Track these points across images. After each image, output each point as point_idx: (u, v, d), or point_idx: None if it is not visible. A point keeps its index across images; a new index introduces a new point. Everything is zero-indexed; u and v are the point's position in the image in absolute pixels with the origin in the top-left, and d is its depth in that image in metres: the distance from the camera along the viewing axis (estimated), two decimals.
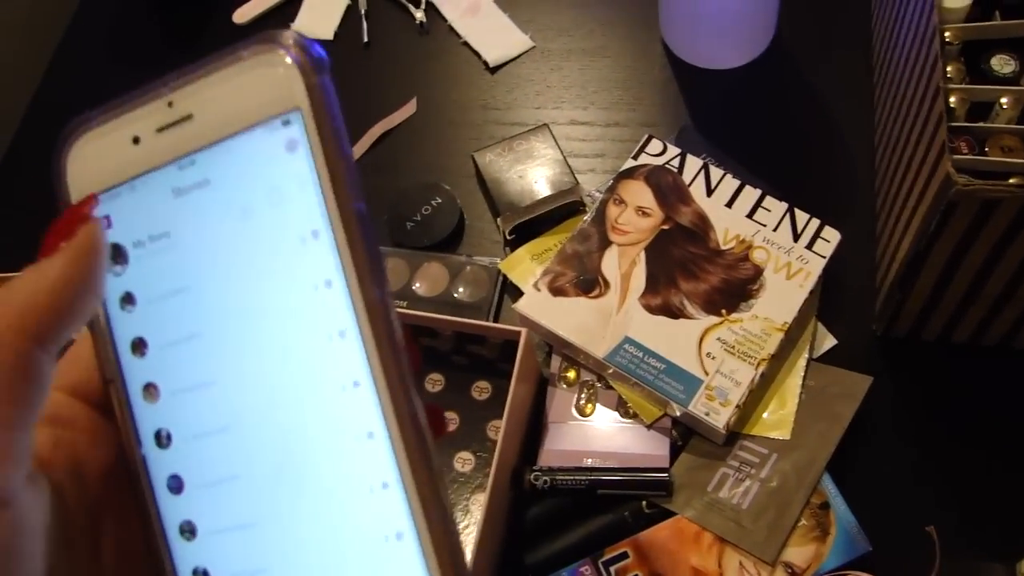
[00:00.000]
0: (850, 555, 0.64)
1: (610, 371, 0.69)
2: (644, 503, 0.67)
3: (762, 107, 0.83)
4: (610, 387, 0.70)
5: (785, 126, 0.82)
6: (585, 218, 0.74)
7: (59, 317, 0.25)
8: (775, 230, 0.72)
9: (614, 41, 0.89)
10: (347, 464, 0.26)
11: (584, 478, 0.66)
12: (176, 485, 0.28)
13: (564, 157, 0.79)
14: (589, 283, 0.71)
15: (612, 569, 0.65)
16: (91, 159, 0.28)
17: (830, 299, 0.73)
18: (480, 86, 0.89)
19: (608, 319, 0.70)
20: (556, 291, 0.71)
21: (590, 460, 0.68)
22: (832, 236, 0.72)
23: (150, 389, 0.29)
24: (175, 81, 0.27)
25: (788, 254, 0.71)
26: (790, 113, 0.83)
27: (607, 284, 0.71)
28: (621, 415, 0.70)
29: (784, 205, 0.73)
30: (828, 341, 0.72)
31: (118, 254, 0.28)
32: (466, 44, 0.91)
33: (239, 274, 0.27)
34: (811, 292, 0.70)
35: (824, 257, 0.71)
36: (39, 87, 0.98)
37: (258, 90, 0.26)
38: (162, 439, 0.28)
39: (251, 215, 0.27)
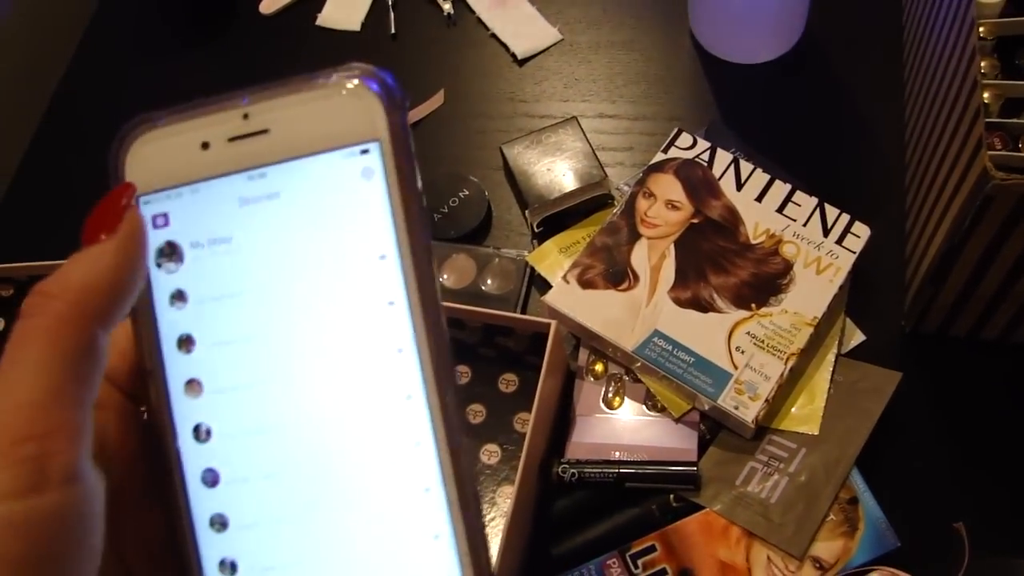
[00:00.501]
0: (878, 551, 0.63)
1: (638, 364, 0.69)
2: (672, 497, 0.67)
3: (791, 102, 0.83)
4: (638, 380, 0.70)
5: (814, 121, 0.82)
6: (614, 211, 0.74)
7: (116, 299, 0.26)
8: (805, 225, 0.72)
9: (643, 34, 0.89)
10: (392, 470, 0.28)
11: (612, 471, 0.66)
12: (211, 479, 0.29)
13: (593, 150, 0.79)
14: (618, 276, 0.71)
15: (639, 562, 0.65)
16: (153, 157, 0.29)
17: (859, 295, 0.73)
18: (508, 78, 0.89)
19: (637, 312, 0.70)
20: (585, 283, 0.71)
21: (618, 453, 0.68)
22: (862, 231, 0.72)
23: (193, 384, 0.29)
24: (253, 95, 0.28)
25: (818, 249, 0.71)
26: (820, 108, 0.82)
27: (636, 277, 0.71)
28: (649, 408, 0.70)
29: (814, 200, 0.73)
30: (857, 337, 0.72)
31: (173, 251, 0.29)
32: (494, 36, 0.91)
33: (299, 285, 0.28)
34: (840, 287, 0.70)
35: (854, 252, 0.71)
36: (61, 79, 0.98)
37: (339, 116, 0.28)
38: (201, 433, 0.29)
39: (318, 231, 0.28)
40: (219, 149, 0.29)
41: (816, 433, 0.67)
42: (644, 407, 0.70)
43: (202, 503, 0.29)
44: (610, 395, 0.70)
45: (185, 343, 0.29)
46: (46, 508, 0.23)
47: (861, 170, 0.79)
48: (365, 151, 0.28)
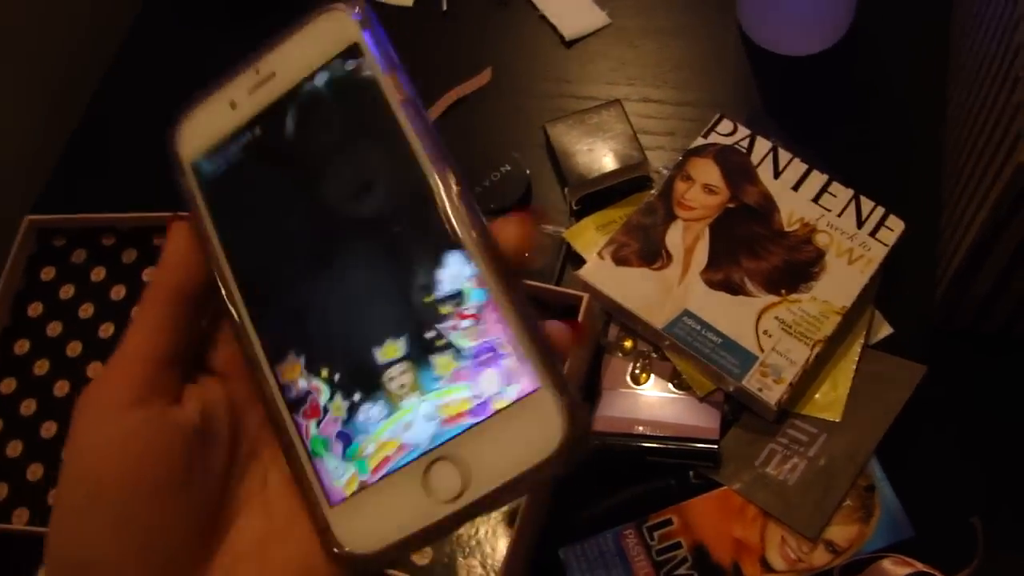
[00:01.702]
0: (892, 539, 0.64)
1: (667, 342, 0.71)
2: (691, 473, 0.68)
3: (834, 95, 0.84)
4: (665, 358, 0.72)
5: (856, 115, 0.82)
6: (652, 191, 0.76)
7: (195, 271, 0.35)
8: (839, 215, 0.73)
9: (691, 22, 0.90)
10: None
11: (634, 444, 0.68)
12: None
13: (634, 133, 0.80)
14: (652, 255, 0.73)
15: (655, 534, 0.66)
16: (196, 132, 0.35)
17: (889, 288, 0.73)
18: (555, 59, 0.90)
19: (669, 291, 0.71)
20: (619, 260, 0.73)
21: (641, 428, 0.69)
22: (896, 225, 0.72)
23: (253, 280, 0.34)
24: (260, 51, 0.35)
25: (851, 240, 0.72)
26: (861, 103, 0.83)
27: (670, 257, 0.72)
28: (674, 386, 0.71)
29: (850, 192, 0.74)
30: (884, 329, 0.73)
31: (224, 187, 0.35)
32: (543, 18, 0.93)
33: (324, 168, 0.34)
34: (871, 279, 0.71)
35: (887, 245, 0.72)
36: (120, 45, 1.01)
37: (323, 39, 0.34)
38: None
39: (328, 128, 0.34)
40: (243, 103, 0.35)
41: (838, 420, 0.68)
42: (670, 385, 0.71)
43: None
44: (637, 371, 0.72)
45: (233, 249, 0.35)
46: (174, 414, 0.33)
47: (898, 167, 0.80)
48: (351, 54, 0.33)
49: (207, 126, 0.35)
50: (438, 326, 0.31)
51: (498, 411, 0.29)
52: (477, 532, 0.67)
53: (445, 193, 0.32)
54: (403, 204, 0.32)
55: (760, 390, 0.67)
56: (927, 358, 0.69)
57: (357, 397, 0.32)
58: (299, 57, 0.34)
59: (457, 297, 0.31)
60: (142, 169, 0.93)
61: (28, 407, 0.81)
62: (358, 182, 0.33)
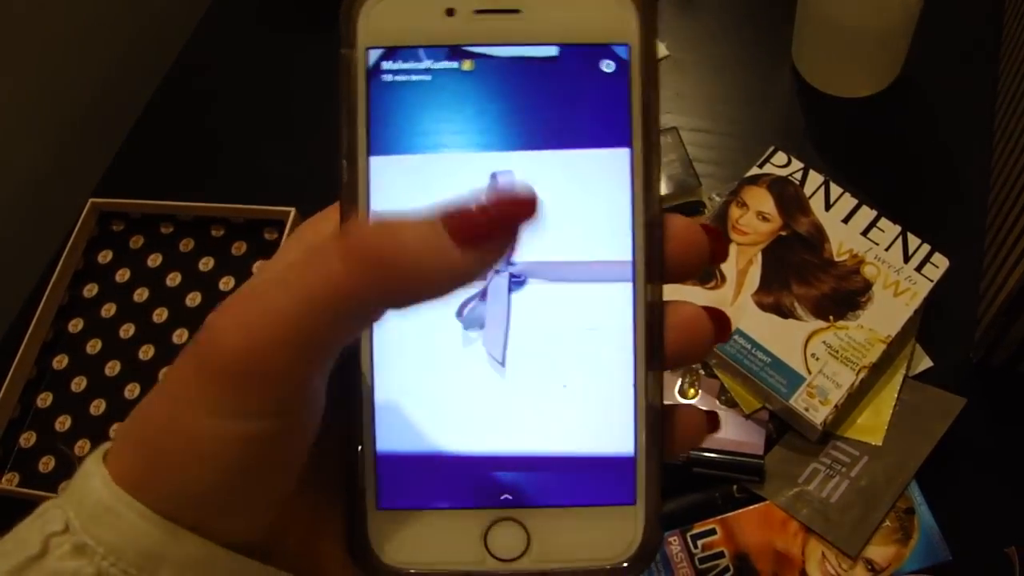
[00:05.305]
0: (930, 561, 0.66)
1: (714, 360, 0.73)
2: (735, 487, 0.70)
3: (882, 136, 0.87)
4: (713, 375, 0.74)
5: (903, 156, 0.85)
6: (709, 214, 0.78)
7: None
8: (887, 249, 0.76)
9: (747, 59, 0.93)
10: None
11: (681, 455, 0.70)
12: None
13: (689, 160, 0.83)
14: (707, 275, 0.75)
15: (699, 543, 0.68)
16: (391, 15, 0.29)
17: (930, 324, 0.76)
18: None
19: None
20: None
21: None
22: (941, 262, 0.75)
23: None
24: None
25: (897, 273, 0.74)
26: (909, 145, 0.86)
27: (723, 278, 0.75)
28: (721, 402, 0.73)
29: (898, 228, 0.76)
30: (924, 362, 0.75)
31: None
32: None
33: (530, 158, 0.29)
34: (915, 312, 0.73)
35: (931, 281, 0.74)
36: (187, 41, 1.04)
37: (595, 12, 0.29)
38: None
39: (545, 117, 0.29)
40: (464, 18, 0.28)
41: (879, 444, 0.70)
42: (717, 401, 0.73)
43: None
44: (685, 386, 0.74)
45: None
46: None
47: (944, 208, 0.83)
48: (615, 50, 0.28)
49: (407, 16, 0.29)
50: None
51: (586, 504, 0.29)
52: None
53: (644, 267, 0.29)
54: (597, 255, 0.29)
55: (807, 410, 0.69)
56: (965, 392, 0.72)
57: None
58: (556, 12, 0.28)
59: None
60: (203, 161, 0.95)
61: (79, 384, 0.83)
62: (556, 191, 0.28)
